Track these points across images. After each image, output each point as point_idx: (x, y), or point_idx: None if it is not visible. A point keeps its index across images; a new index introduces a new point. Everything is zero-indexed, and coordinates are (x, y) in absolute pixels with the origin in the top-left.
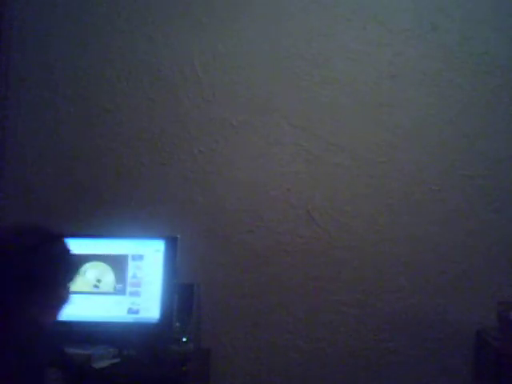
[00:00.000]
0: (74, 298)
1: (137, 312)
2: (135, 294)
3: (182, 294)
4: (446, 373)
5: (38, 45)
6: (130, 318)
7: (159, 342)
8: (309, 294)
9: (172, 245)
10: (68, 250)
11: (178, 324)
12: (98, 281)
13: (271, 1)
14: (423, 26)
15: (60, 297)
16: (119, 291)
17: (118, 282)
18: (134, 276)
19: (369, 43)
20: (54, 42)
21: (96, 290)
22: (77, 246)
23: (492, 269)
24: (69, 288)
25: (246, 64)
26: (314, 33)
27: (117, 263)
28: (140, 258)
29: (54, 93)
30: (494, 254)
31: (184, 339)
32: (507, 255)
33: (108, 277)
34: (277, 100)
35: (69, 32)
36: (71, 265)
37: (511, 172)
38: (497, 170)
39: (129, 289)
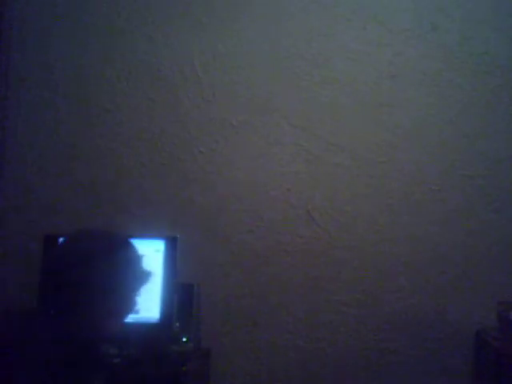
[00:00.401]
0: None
1: (137, 312)
2: None
3: (182, 294)
4: (446, 373)
5: (38, 45)
6: (129, 318)
7: (159, 342)
8: (309, 294)
9: (172, 245)
10: (140, 257)
11: (177, 324)
12: None
13: (271, 1)
14: (423, 26)
15: (127, 304)
16: None
17: None
18: None
19: (369, 43)
20: (54, 42)
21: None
22: None
23: (492, 269)
24: (137, 296)
25: (246, 64)
26: (314, 33)
27: None
28: None
29: (54, 93)
30: (494, 254)
31: (184, 339)
32: (507, 255)
33: None
34: (277, 100)
35: (69, 32)
36: (142, 273)
37: (511, 172)
38: (497, 170)
39: None
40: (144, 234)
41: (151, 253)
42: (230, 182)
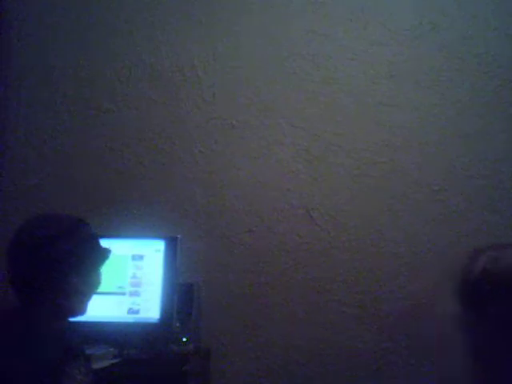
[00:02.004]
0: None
1: (137, 312)
2: (135, 294)
3: (182, 294)
4: None
5: (38, 45)
6: (130, 318)
7: (159, 342)
8: (309, 293)
9: (172, 245)
10: (97, 236)
11: (177, 324)
12: None
13: (271, 1)
14: (423, 26)
15: (90, 283)
16: (119, 291)
17: (118, 282)
18: (134, 276)
19: (369, 43)
20: (54, 42)
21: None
22: None
23: None
24: (99, 274)
25: (246, 64)
26: (314, 33)
27: (117, 263)
28: (140, 258)
29: (54, 93)
30: None
31: (184, 339)
32: None
33: (108, 277)
34: (277, 100)
35: (69, 32)
36: (101, 249)
37: (511, 172)
38: (497, 170)
39: (129, 289)
40: (144, 234)
41: (151, 253)
42: (230, 181)
